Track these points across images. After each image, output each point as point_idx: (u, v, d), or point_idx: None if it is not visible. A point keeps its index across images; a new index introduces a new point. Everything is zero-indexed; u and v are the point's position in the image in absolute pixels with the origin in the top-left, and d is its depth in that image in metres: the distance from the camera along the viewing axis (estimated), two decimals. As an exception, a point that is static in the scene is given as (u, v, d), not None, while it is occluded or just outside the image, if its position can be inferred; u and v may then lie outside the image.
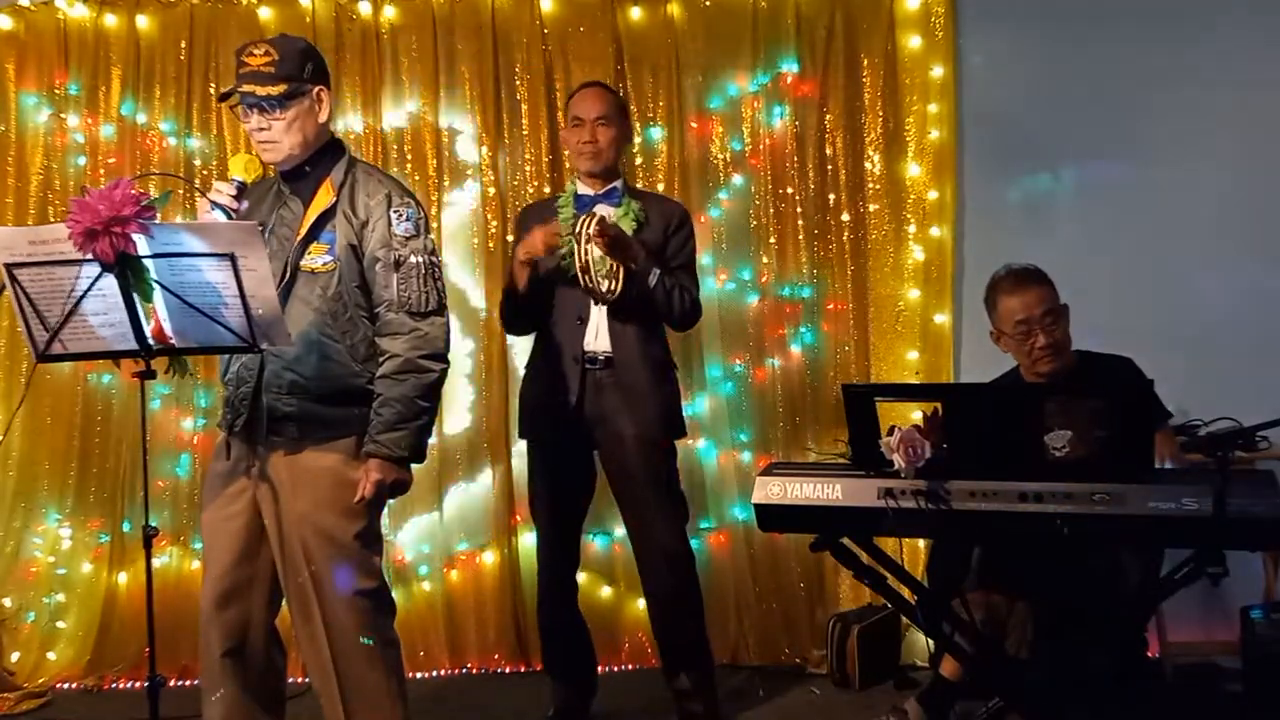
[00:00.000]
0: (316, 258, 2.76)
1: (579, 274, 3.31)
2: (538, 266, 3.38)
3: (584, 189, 3.52)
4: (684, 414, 3.60)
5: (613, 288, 3.33)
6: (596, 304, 3.38)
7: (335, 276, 2.75)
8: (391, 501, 2.84)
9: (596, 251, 3.27)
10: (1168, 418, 3.04)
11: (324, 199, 2.79)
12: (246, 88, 2.71)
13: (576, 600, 3.63)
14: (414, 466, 2.80)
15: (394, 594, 2.95)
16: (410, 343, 2.74)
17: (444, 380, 2.81)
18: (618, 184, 3.53)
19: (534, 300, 3.43)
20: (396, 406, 2.71)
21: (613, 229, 3.28)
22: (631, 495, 3.46)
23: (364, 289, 2.78)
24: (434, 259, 2.82)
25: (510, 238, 4.26)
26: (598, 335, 3.41)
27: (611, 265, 3.31)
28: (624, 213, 3.44)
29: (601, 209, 3.42)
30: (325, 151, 2.85)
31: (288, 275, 2.75)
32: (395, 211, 2.78)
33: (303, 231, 2.77)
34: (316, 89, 2.79)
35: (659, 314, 3.42)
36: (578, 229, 3.29)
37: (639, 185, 4.23)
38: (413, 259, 2.76)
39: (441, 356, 2.79)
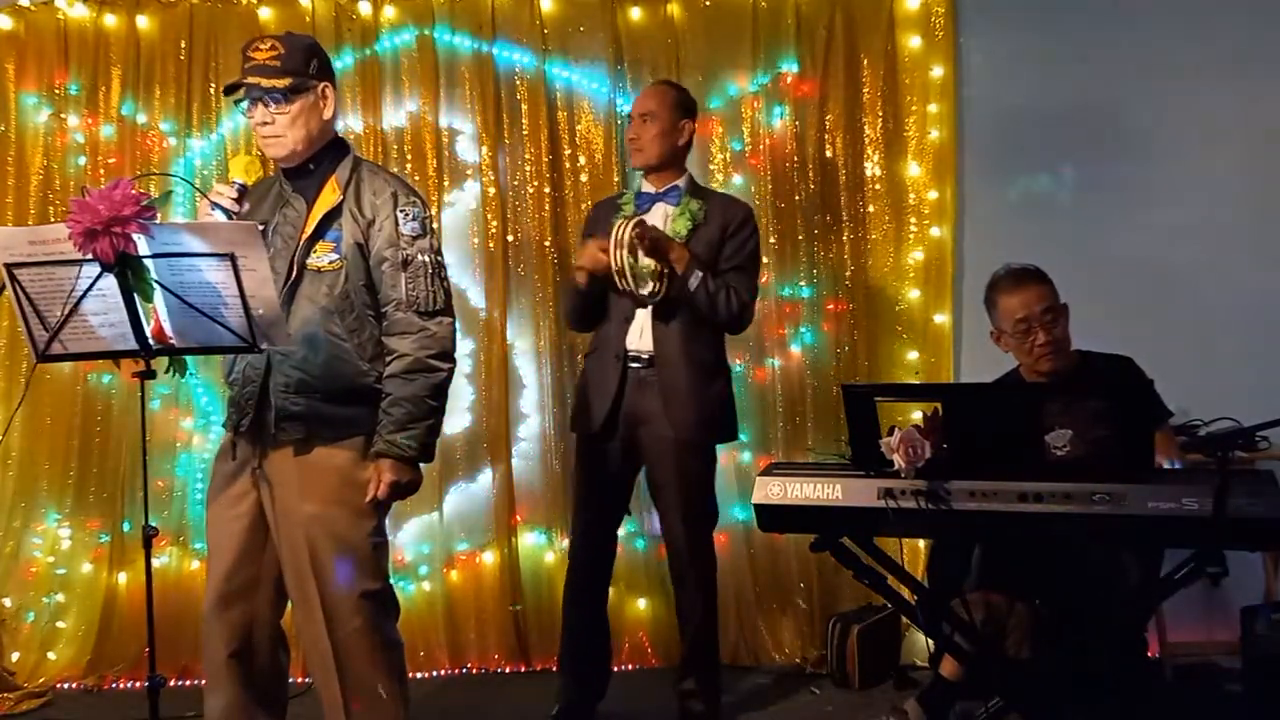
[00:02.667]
0: (322, 256, 2.77)
1: (614, 277, 3.31)
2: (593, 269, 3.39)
3: (646, 186, 3.55)
4: (735, 417, 3.60)
5: (655, 289, 3.35)
6: (636, 306, 3.40)
7: (342, 275, 2.76)
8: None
9: (631, 256, 3.28)
10: (1168, 417, 3.04)
11: (330, 197, 2.79)
12: (251, 80, 2.72)
13: (606, 605, 3.64)
14: (421, 466, 2.80)
15: (396, 594, 2.94)
16: (419, 342, 2.75)
17: (451, 379, 2.82)
18: (680, 182, 3.54)
19: (595, 300, 3.47)
20: (407, 406, 2.71)
21: (652, 231, 3.31)
22: (664, 496, 3.49)
23: (370, 288, 2.79)
24: (440, 259, 2.83)
25: (510, 237, 4.29)
26: (641, 334, 3.44)
27: (656, 267, 3.32)
28: (680, 211, 3.46)
29: (660, 207, 3.47)
30: (329, 150, 2.86)
31: (294, 274, 2.75)
32: (402, 211, 2.78)
33: (309, 230, 2.77)
34: (321, 85, 2.80)
35: (703, 316, 3.42)
36: (614, 234, 3.29)
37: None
38: (420, 258, 2.77)
39: (449, 356, 2.80)
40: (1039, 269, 3.23)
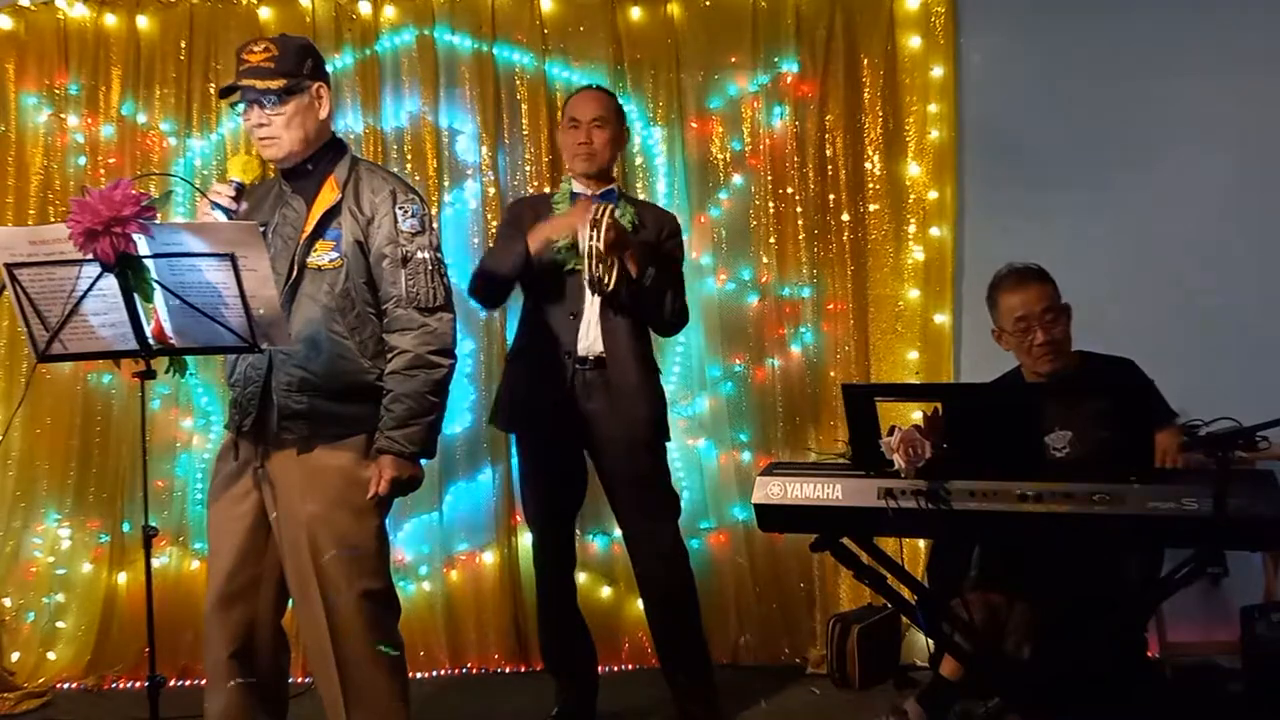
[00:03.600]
0: (323, 255, 2.77)
1: (587, 260, 3.25)
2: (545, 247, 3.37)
3: (579, 188, 3.52)
4: (668, 415, 3.57)
5: (609, 281, 3.31)
6: (593, 294, 3.34)
7: (342, 273, 2.76)
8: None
9: (603, 241, 3.23)
10: (1174, 418, 3.03)
11: (329, 196, 2.80)
12: (246, 82, 2.73)
13: (575, 599, 3.63)
14: (422, 462, 2.80)
15: (397, 594, 2.94)
16: (419, 338, 2.75)
17: (452, 376, 2.81)
18: (613, 187, 3.55)
19: (518, 282, 3.44)
20: (408, 402, 2.72)
21: (618, 224, 3.29)
22: (624, 496, 3.47)
23: (370, 285, 2.79)
24: (439, 255, 2.83)
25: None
26: (589, 332, 3.40)
27: (609, 260, 3.30)
28: (620, 214, 3.44)
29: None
30: (327, 150, 2.86)
31: (294, 273, 2.75)
32: (400, 208, 2.79)
33: (308, 229, 2.77)
34: (316, 86, 2.80)
35: (649, 314, 3.42)
36: (592, 216, 3.25)
37: (639, 185, 4.25)
38: (419, 255, 2.77)
39: (450, 352, 2.79)
40: (1041, 269, 3.23)
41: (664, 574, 3.46)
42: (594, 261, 3.25)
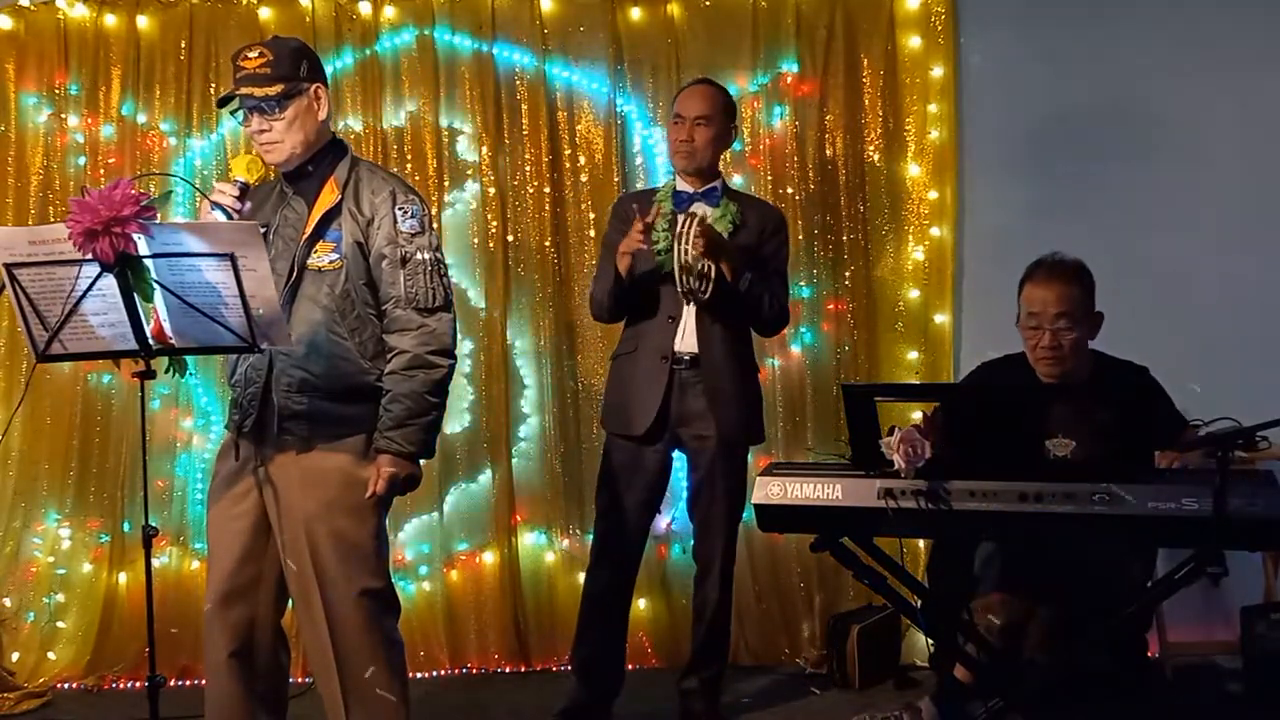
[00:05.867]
0: (323, 256, 2.77)
1: (676, 272, 3.29)
2: (635, 259, 3.37)
3: (682, 185, 3.53)
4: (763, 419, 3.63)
5: (705, 288, 3.33)
6: (688, 303, 3.39)
7: (342, 274, 2.76)
8: (393, 501, 2.84)
9: (693, 251, 3.27)
10: (1184, 425, 3.00)
11: (329, 197, 2.79)
12: (244, 90, 2.72)
13: (627, 608, 3.61)
14: (421, 462, 2.80)
15: (397, 593, 2.94)
16: (418, 339, 2.75)
17: (451, 376, 2.81)
18: (717, 184, 3.54)
19: (632, 291, 3.44)
20: (406, 402, 2.71)
21: (711, 231, 3.30)
22: (705, 495, 3.50)
23: (371, 286, 2.79)
24: (439, 255, 2.83)
25: (510, 237, 4.28)
26: (685, 335, 3.43)
27: (705, 266, 3.31)
28: (721, 214, 3.45)
29: (699, 208, 3.45)
30: (327, 150, 2.86)
31: (294, 274, 2.75)
32: (400, 209, 2.78)
33: (308, 230, 2.77)
34: (313, 87, 2.79)
35: (747, 317, 3.44)
36: (679, 228, 3.28)
37: (639, 185, 4.24)
38: (419, 255, 2.77)
39: (449, 352, 2.79)
40: (1079, 268, 3.13)
41: (718, 578, 3.52)
42: (684, 275, 3.29)
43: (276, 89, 2.71)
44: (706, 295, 3.33)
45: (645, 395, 3.44)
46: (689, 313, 3.43)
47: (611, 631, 3.57)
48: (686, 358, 3.42)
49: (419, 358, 2.74)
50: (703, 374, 3.42)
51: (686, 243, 3.25)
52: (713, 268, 3.31)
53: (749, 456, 3.67)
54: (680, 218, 3.33)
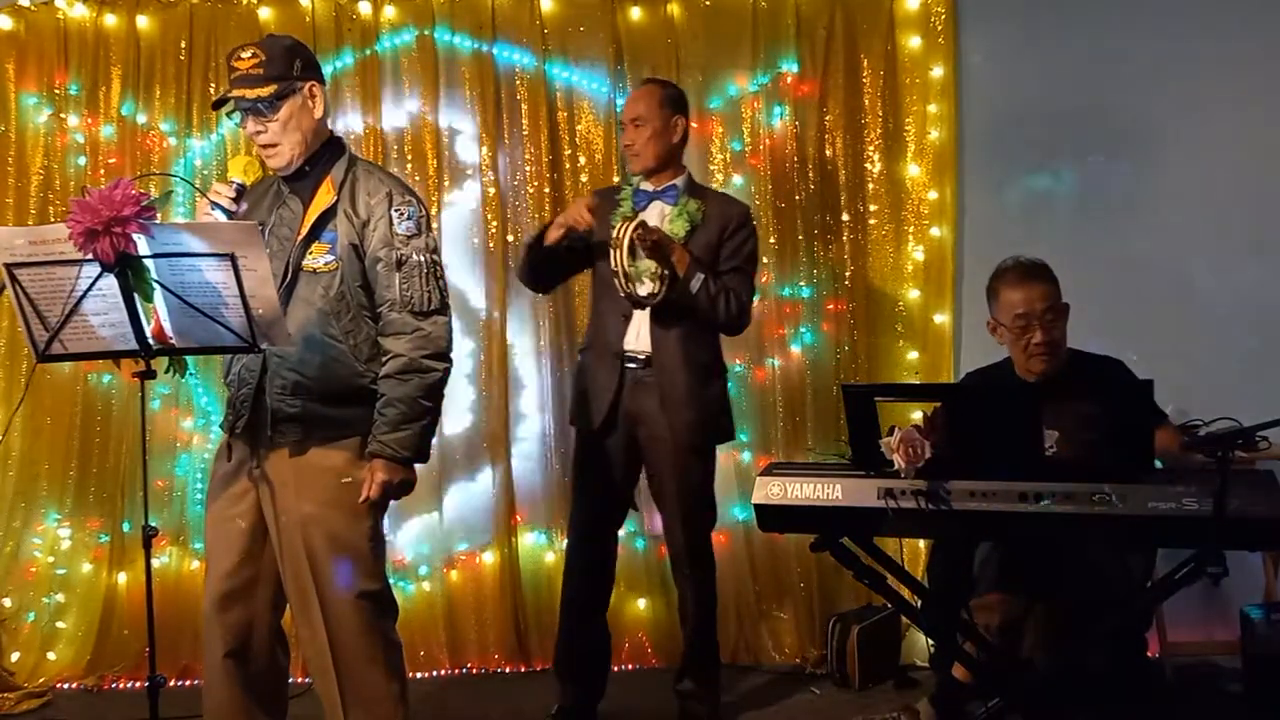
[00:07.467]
0: (318, 257, 2.76)
1: (615, 278, 3.31)
2: (588, 241, 3.38)
3: (644, 184, 3.53)
4: (733, 418, 3.62)
5: (654, 291, 3.33)
6: (635, 308, 3.39)
7: (337, 276, 2.75)
8: (393, 502, 2.84)
9: (631, 258, 3.27)
10: (1164, 418, 3.03)
11: (325, 198, 2.78)
12: (238, 92, 2.71)
13: (604, 608, 3.61)
14: (415, 466, 2.79)
15: (394, 594, 2.94)
16: (413, 342, 2.74)
17: (447, 380, 2.80)
18: (677, 181, 3.52)
19: (553, 262, 3.44)
20: (400, 407, 2.71)
21: (655, 233, 3.29)
22: (665, 497, 3.49)
23: (366, 288, 2.78)
24: (436, 258, 2.82)
25: (510, 237, 4.28)
26: (639, 335, 3.42)
27: (656, 268, 3.31)
28: (679, 212, 3.45)
29: (657, 205, 3.46)
30: (325, 150, 2.85)
31: (289, 275, 2.74)
32: (397, 210, 2.77)
33: (304, 231, 2.76)
34: (308, 85, 2.78)
35: (703, 318, 3.41)
36: (614, 234, 3.29)
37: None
38: (415, 258, 2.76)
39: (444, 356, 2.78)
40: (1045, 265, 3.20)
41: (690, 576, 3.50)
42: (624, 280, 3.29)
43: (269, 89, 2.70)
44: (656, 298, 3.33)
45: (598, 390, 3.45)
46: (641, 313, 3.41)
47: (593, 635, 3.57)
48: (640, 357, 3.41)
49: (414, 362, 2.73)
50: (655, 374, 3.40)
51: (621, 249, 3.25)
52: (664, 270, 3.30)
53: (733, 453, 3.67)
54: (618, 225, 3.32)
